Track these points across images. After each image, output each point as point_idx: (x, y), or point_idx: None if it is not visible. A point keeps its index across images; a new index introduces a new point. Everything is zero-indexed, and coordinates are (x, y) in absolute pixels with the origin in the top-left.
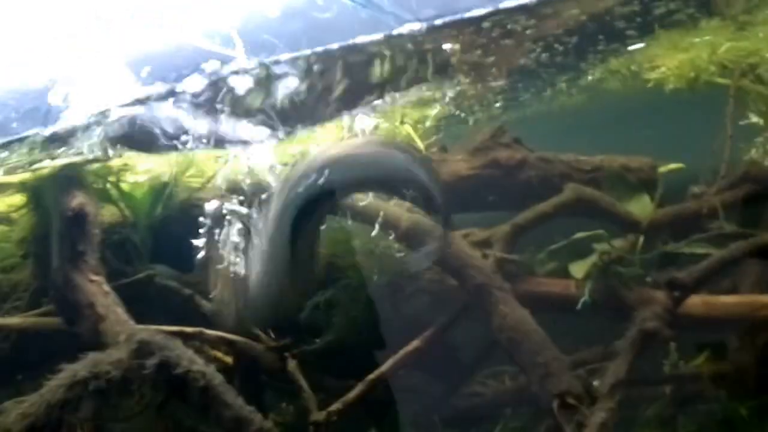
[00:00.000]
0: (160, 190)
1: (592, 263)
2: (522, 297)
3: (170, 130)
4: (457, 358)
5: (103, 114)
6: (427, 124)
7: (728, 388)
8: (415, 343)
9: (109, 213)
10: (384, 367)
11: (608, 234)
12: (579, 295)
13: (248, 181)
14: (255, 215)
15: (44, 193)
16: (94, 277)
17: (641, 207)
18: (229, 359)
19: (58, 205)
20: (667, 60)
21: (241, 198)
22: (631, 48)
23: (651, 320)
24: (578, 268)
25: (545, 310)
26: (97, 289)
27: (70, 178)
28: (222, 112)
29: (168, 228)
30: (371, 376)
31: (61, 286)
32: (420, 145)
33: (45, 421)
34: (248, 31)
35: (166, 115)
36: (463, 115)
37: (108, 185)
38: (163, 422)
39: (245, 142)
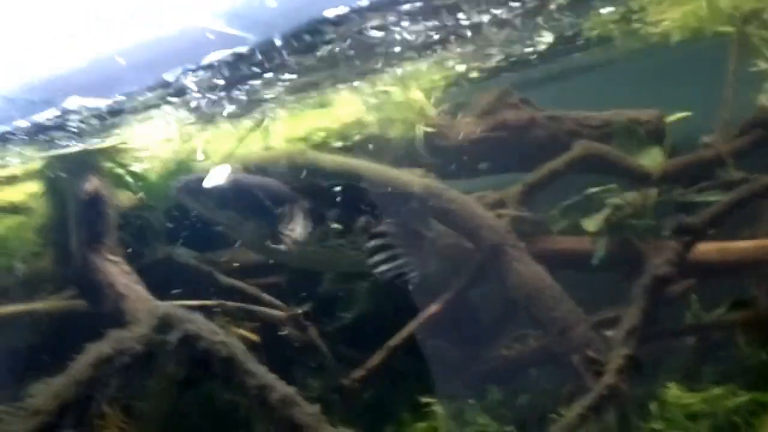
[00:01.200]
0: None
1: (604, 217)
2: (538, 255)
3: None
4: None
5: None
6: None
7: (750, 335)
8: (433, 308)
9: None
10: (403, 333)
11: (621, 188)
12: (594, 250)
13: None
14: None
15: (59, 180)
16: (113, 258)
17: (652, 159)
18: (255, 336)
19: (73, 190)
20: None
21: None
22: None
23: (663, 266)
24: (591, 223)
25: (563, 267)
26: (116, 269)
27: (84, 163)
28: None
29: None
30: (391, 342)
31: (81, 269)
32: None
33: (75, 400)
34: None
35: None
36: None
37: (122, 170)
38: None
39: None
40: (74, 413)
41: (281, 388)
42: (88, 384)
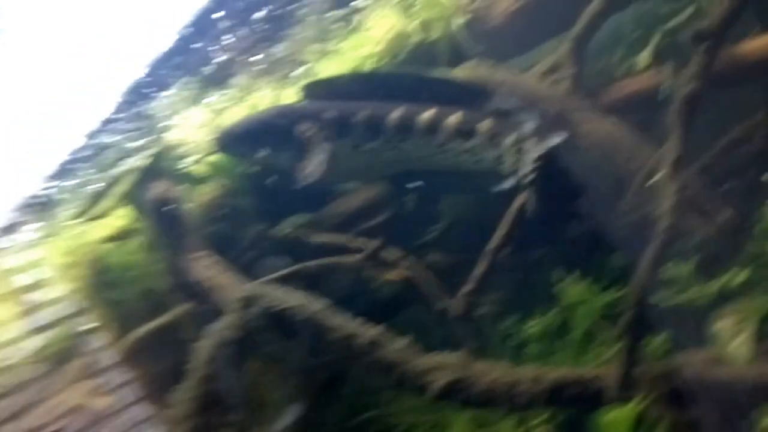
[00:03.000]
0: None
1: (655, 44)
2: (609, 107)
3: None
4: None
5: None
6: None
7: None
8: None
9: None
10: (501, 230)
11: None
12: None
13: None
14: None
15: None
16: (197, 255)
17: None
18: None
19: (145, 201)
20: None
21: None
22: None
23: (689, 83)
24: (644, 56)
25: (638, 111)
26: (204, 265)
27: (146, 172)
28: None
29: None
30: (491, 245)
31: (174, 272)
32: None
33: (206, 397)
34: None
35: None
36: None
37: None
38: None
39: None
40: (213, 407)
41: (366, 331)
42: (210, 380)
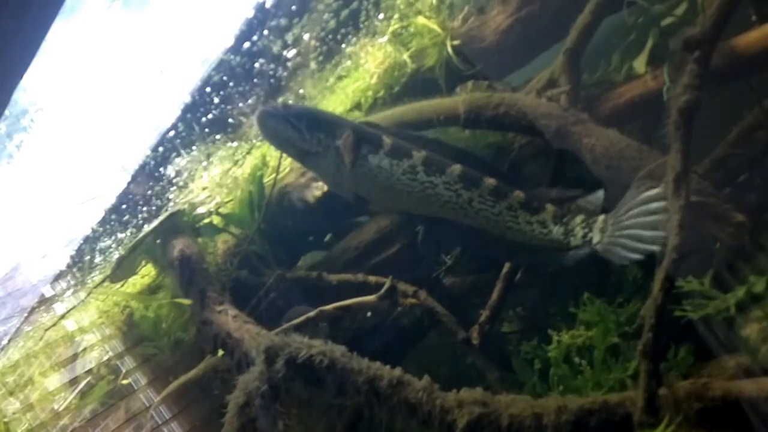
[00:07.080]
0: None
1: (649, 48)
2: (608, 116)
3: None
4: None
5: None
6: None
7: None
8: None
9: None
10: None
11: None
12: (659, 85)
13: None
14: None
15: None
16: (220, 308)
17: None
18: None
19: (166, 260)
20: None
21: None
22: None
23: (683, 95)
24: (640, 61)
25: (641, 116)
26: (227, 317)
27: (164, 232)
28: None
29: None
30: (504, 270)
31: (201, 328)
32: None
33: None
34: None
35: None
36: None
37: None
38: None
39: None
40: None
41: (388, 373)
42: (245, 429)
